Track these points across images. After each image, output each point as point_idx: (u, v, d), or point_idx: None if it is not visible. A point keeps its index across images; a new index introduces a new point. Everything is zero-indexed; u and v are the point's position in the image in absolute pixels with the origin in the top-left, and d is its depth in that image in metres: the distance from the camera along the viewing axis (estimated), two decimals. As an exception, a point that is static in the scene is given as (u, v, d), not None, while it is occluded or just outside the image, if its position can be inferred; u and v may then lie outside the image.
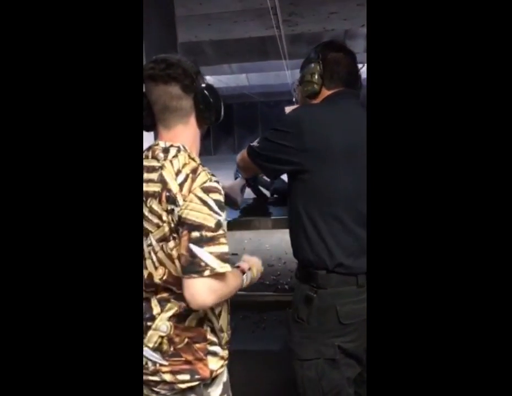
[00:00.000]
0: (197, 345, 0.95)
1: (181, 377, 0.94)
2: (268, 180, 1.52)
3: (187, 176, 0.90)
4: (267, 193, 1.62)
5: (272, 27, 3.54)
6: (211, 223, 0.86)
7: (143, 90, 0.98)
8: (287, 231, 1.27)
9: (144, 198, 0.94)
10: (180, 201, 0.88)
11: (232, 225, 1.39)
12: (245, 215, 1.48)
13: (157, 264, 0.94)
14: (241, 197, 1.44)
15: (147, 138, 1.45)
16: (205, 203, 0.88)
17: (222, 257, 0.86)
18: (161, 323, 0.95)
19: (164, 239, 0.92)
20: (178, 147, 0.95)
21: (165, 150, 0.95)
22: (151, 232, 0.94)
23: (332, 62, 1.19)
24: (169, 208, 0.89)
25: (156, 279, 0.95)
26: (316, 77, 1.20)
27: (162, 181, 0.91)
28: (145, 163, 0.97)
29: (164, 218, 0.90)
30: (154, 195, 0.92)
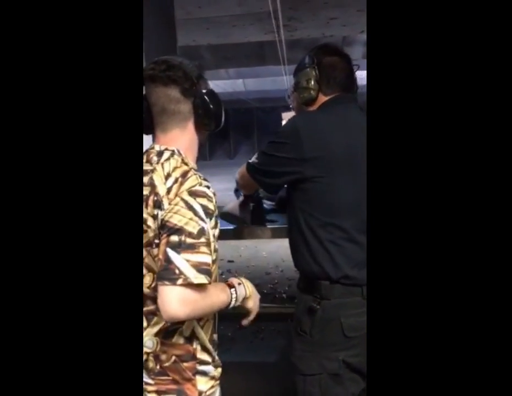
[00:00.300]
0: (185, 364, 0.88)
1: None
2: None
3: (176, 179, 0.86)
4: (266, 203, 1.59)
5: (271, 32, 3.52)
6: (193, 229, 0.81)
7: (144, 92, 0.94)
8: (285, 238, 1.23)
9: None
10: (166, 204, 0.84)
11: (228, 234, 1.35)
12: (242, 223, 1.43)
13: (144, 271, 0.89)
14: (249, 214, 1.40)
15: (146, 140, 1.40)
16: (190, 207, 0.82)
17: (200, 267, 0.79)
18: (147, 338, 0.89)
19: (149, 245, 0.87)
20: (172, 151, 0.91)
21: (159, 154, 0.91)
22: None
23: (328, 66, 1.16)
24: (155, 212, 0.85)
25: (144, 288, 0.89)
26: (312, 83, 1.16)
27: (151, 184, 0.87)
28: None
29: (149, 222, 0.86)
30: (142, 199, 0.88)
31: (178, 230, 0.81)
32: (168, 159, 0.90)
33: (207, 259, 0.81)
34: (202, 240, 0.81)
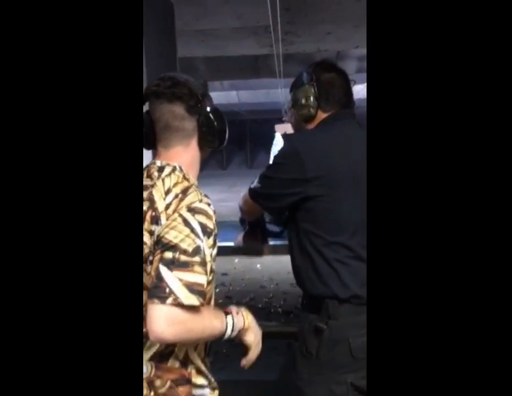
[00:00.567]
0: (181, 388, 0.84)
1: None
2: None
3: (176, 195, 0.83)
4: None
5: (266, 46, 3.54)
6: (188, 246, 0.77)
7: (148, 108, 0.92)
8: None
9: None
10: (163, 220, 0.81)
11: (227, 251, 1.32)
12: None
13: None
14: (261, 242, 1.38)
15: (146, 156, 1.37)
16: (187, 224, 0.79)
17: (192, 287, 0.75)
18: None
19: (145, 262, 0.83)
20: (174, 167, 0.89)
21: (160, 169, 0.89)
22: None
23: (326, 83, 1.15)
24: (152, 228, 0.82)
25: None
26: (311, 100, 1.15)
27: (150, 199, 0.84)
28: None
29: (145, 239, 0.82)
30: None
31: (173, 247, 0.77)
32: (169, 174, 0.88)
33: (201, 279, 0.77)
34: (197, 258, 0.77)
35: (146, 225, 0.83)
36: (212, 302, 0.90)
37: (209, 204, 0.84)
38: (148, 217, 0.83)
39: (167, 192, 0.84)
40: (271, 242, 1.48)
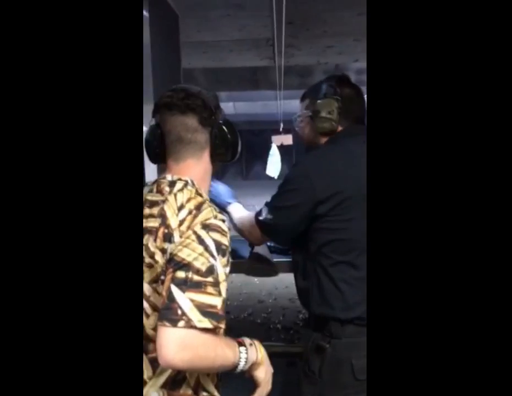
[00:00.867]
0: None
1: None
2: None
3: (190, 211, 0.79)
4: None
5: (267, 58, 3.54)
6: (202, 266, 0.73)
7: (157, 120, 0.89)
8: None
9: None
10: (176, 238, 0.77)
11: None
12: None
13: (149, 311, 0.81)
14: (272, 260, 1.35)
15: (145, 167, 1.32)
16: (201, 241, 0.75)
17: (204, 309, 0.71)
18: (152, 389, 0.79)
19: (156, 281, 0.79)
20: (186, 181, 0.85)
21: (172, 184, 0.85)
22: (143, 273, 0.80)
23: (348, 98, 1.15)
24: (164, 246, 0.78)
25: (148, 329, 0.80)
26: (335, 114, 1.14)
27: (162, 215, 0.80)
28: (149, 197, 0.86)
29: (157, 257, 0.79)
30: (151, 231, 0.81)
31: (185, 266, 0.73)
32: (181, 189, 0.84)
33: (214, 301, 0.73)
34: (210, 279, 0.73)
35: (158, 242, 0.79)
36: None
37: (223, 221, 0.80)
38: (160, 234, 0.79)
39: (180, 208, 0.80)
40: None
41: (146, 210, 0.85)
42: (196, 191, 0.85)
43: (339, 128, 1.15)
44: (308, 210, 1.06)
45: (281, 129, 5.02)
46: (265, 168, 4.63)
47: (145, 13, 1.37)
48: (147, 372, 0.82)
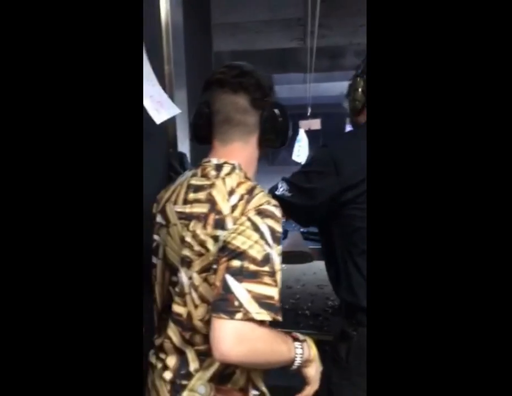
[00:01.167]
0: None
1: None
2: None
3: (241, 196, 0.75)
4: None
5: (297, 39, 3.43)
6: (257, 254, 0.69)
7: (207, 98, 0.85)
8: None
9: (187, 221, 0.79)
10: (229, 224, 0.73)
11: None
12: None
13: (197, 301, 0.78)
14: (307, 247, 1.32)
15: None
16: (257, 228, 0.71)
17: (262, 300, 0.68)
18: (199, 383, 0.77)
19: (206, 270, 0.76)
20: (233, 165, 0.81)
21: (218, 168, 0.81)
22: (192, 262, 0.77)
23: None
24: (216, 233, 0.74)
25: (196, 320, 0.78)
26: (359, 94, 1.13)
27: (211, 201, 0.77)
28: (193, 181, 0.83)
29: (209, 245, 0.75)
30: (199, 217, 0.77)
31: (241, 254, 0.69)
32: (229, 173, 0.80)
33: (271, 291, 0.69)
34: (266, 268, 0.69)
35: (209, 229, 0.75)
36: None
37: (276, 206, 0.76)
38: (211, 221, 0.75)
39: (231, 193, 0.76)
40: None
41: (191, 195, 0.81)
42: (245, 175, 0.81)
43: None
44: (330, 195, 1.03)
45: (308, 113, 4.91)
46: (291, 154, 4.54)
47: (177, -7, 1.32)
48: (193, 364, 0.80)
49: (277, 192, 1.10)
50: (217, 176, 0.80)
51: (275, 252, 0.72)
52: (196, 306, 0.78)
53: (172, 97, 1.20)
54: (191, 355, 0.80)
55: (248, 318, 0.67)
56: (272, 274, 0.70)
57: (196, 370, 0.79)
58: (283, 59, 4.47)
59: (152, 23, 1.10)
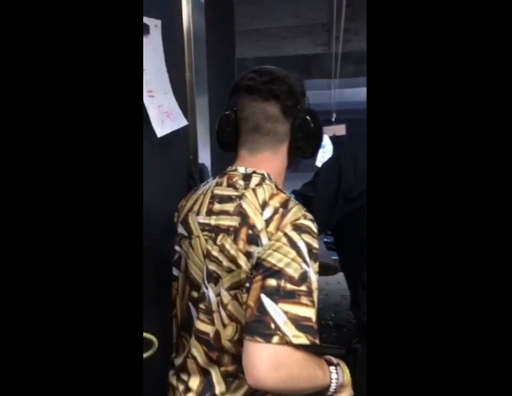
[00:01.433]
0: None
1: None
2: None
3: (276, 210, 0.70)
4: None
5: (321, 45, 3.40)
6: (294, 272, 0.64)
7: (234, 104, 0.81)
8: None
9: (212, 234, 0.75)
10: (264, 240, 0.68)
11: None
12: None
13: (226, 320, 0.74)
14: (331, 258, 1.30)
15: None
16: (293, 245, 0.66)
17: (299, 322, 0.63)
18: None
19: (236, 287, 0.71)
20: (263, 175, 0.77)
21: (246, 178, 0.76)
22: (220, 278, 0.73)
23: None
24: (250, 249, 0.69)
25: (224, 340, 0.74)
26: None
27: (241, 214, 0.72)
28: (218, 191, 0.78)
29: (241, 261, 0.70)
30: (228, 231, 0.72)
31: (277, 273, 0.65)
32: (259, 184, 0.75)
33: (309, 312, 0.64)
34: (303, 287, 0.64)
35: (241, 245, 0.70)
36: None
37: (313, 221, 0.71)
38: (243, 236, 0.70)
39: (263, 206, 0.71)
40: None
41: (216, 206, 0.77)
42: (276, 186, 0.77)
43: None
44: (333, 202, 1.02)
45: (333, 119, 4.84)
46: (315, 160, 4.49)
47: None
48: (219, 387, 0.75)
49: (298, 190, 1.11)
50: (246, 187, 0.75)
51: (312, 270, 0.67)
52: (224, 325, 0.74)
53: (193, 104, 1.19)
54: (216, 377, 0.76)
55: (285, 342, 0.62)
56: (309, 293, 0.65)
57: (222, 394, 0.75)
58: (308, 65, 4.43)
59: (173, 30, 1.10)
